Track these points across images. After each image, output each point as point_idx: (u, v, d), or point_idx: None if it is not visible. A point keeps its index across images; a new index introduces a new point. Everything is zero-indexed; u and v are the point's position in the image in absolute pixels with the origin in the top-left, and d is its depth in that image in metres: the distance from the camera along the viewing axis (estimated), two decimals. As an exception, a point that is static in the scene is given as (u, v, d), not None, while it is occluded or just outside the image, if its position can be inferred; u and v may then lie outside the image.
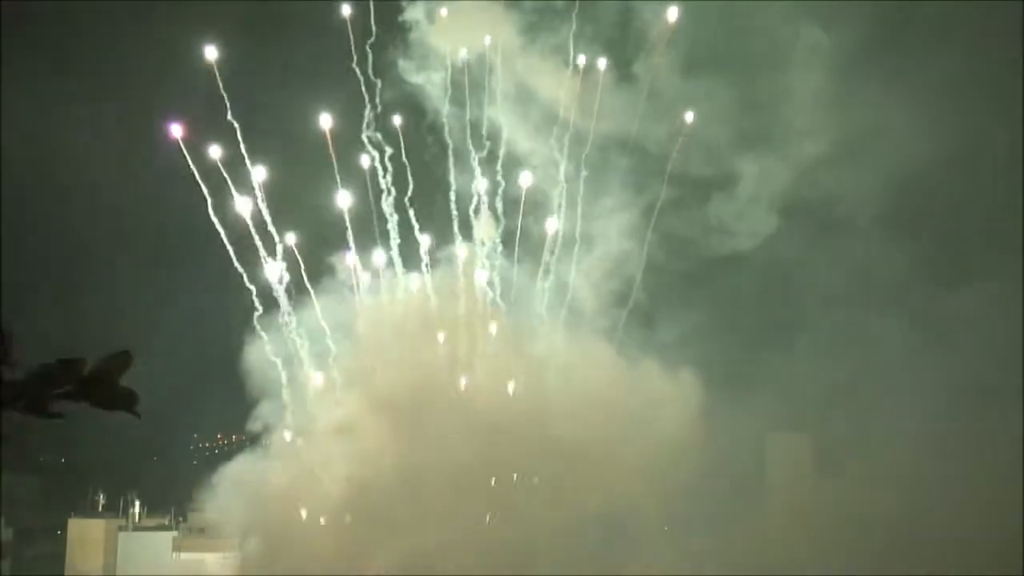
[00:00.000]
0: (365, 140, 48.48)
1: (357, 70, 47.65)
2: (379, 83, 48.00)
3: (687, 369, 47.84)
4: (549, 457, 45.61)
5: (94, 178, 52.27)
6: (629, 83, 48.97)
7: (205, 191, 46.21)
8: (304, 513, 47.14)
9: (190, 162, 45.63)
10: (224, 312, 50.60)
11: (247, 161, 46.51)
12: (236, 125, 45.93)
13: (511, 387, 48.66)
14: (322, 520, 47.22)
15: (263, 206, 46.98)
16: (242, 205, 46.68)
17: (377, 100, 48.20)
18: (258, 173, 46.80)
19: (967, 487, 45.22)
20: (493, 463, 46.06)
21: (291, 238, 47.74)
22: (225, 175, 46.43)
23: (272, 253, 47.54)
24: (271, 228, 47.44)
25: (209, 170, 46.09)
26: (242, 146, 46.12)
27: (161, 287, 58.01)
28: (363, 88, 47.84)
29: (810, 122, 48.14)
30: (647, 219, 49.34)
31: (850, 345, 49.84)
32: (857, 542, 45.65)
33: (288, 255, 47.61)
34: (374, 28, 47.46)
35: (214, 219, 46.61)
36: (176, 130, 45.48)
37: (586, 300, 50.00)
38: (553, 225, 49.32)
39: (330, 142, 46.82)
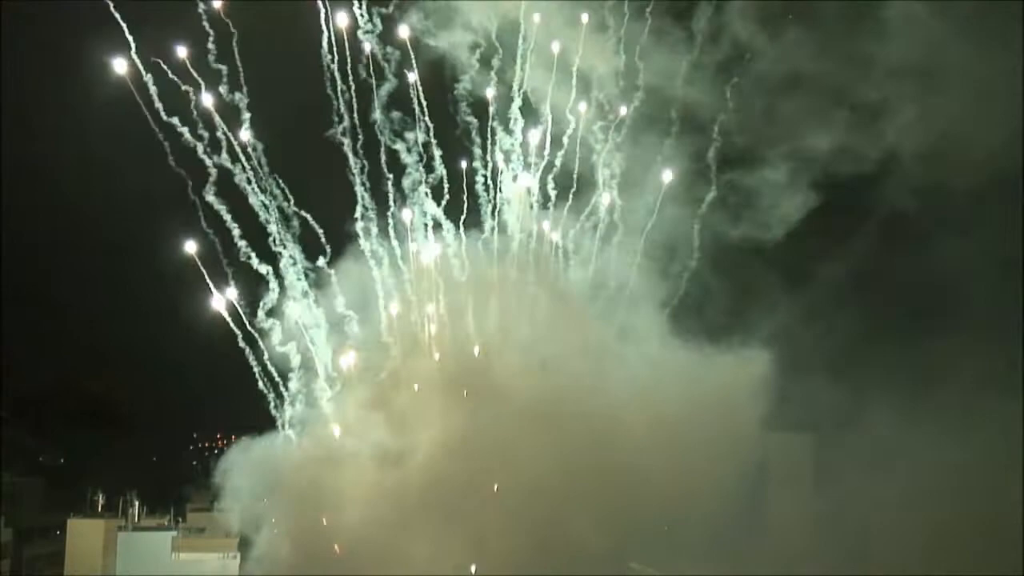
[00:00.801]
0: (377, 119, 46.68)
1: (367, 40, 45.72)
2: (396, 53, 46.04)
3: (751, 360, 46.72)
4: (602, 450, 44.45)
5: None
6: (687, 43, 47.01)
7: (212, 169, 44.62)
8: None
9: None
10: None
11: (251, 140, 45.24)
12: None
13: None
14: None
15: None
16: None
17: (392, 72, 46.32)
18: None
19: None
20: (539, 451, 44.65)
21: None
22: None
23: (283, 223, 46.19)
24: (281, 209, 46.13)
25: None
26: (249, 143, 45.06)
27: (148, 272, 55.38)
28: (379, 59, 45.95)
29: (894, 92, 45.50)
30: (699, 197, 47.93)
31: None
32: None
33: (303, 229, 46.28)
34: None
35: (213, 199, 45.16)
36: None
37: (633, 284, 48.52)
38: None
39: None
